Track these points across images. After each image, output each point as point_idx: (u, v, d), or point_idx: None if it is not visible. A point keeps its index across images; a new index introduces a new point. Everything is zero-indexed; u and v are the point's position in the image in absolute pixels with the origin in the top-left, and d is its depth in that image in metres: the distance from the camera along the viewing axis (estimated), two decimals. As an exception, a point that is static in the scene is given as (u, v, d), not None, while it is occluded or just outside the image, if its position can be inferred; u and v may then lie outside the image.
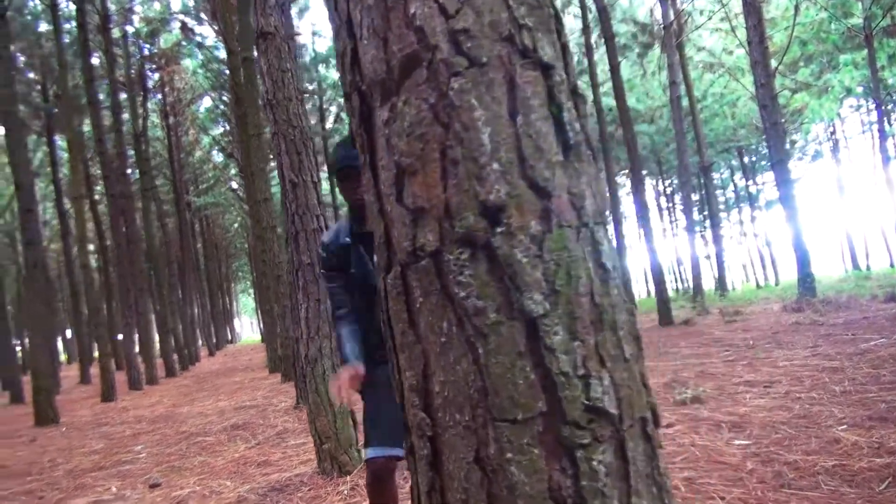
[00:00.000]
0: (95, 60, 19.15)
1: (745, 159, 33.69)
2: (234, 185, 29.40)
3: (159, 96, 25.57)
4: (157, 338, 21.46)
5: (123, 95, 20.31)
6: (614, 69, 12.75)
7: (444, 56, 0.81)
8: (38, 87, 22.28)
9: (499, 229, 0.78)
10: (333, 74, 28.00)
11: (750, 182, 35.01)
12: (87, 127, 21.46)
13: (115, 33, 19.98)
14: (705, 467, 3.70)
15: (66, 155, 28.10)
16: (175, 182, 24.85)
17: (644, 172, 37.67)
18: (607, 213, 0.91)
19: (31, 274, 9.16)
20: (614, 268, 0.85)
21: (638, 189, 13.24)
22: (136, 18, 23.51)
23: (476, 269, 0.78)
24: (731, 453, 3.85)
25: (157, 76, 24.95)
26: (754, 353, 7.23)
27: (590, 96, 17.98)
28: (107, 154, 15.29)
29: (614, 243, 1.00)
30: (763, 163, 32.04)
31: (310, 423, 4.33)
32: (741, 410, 4.76)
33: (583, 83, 24.92)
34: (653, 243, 13.11)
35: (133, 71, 21.86)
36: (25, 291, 9.55)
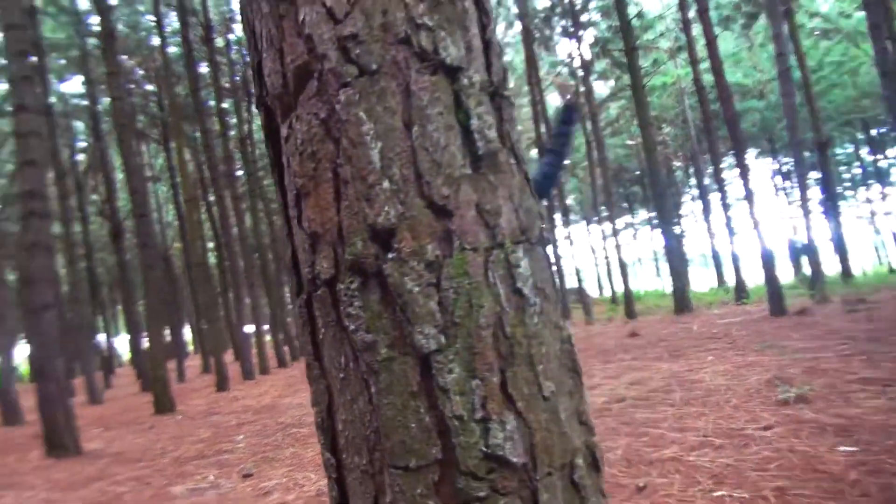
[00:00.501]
0: (203, 69, 20.29)
1: (872, 132, 30.91)
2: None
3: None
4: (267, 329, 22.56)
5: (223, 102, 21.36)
6: (710, 43, 12.02)
7: (332, 66, 0.73)
8: (155, 97, 23.85)
9: (390, 255, 0.71)
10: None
11: (879, 156, 32.10)
12: (198, 133, 22.74)
13: (219, 42, 21.06)
14: (801, 476, 3.40)
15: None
16: (281, 182, 25.94)
17: (757, 151, 35.48)
18: (541, 225, 0.80)
19: (146, 275, 9.85)
20: (538, 291, 0.75)
21: (742, 170, 12.44)
22: (237, 27, 24.66)
23: (367, 300, 0.71)
24: (835, 461, 3.52)
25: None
26: (875, 347, 6.60)
27: (689, 73, 17.10)
28: (214, 158, 16.15)
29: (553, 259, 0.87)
30: (894, 135, 29.30)
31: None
32: (851, 412, 4.35)
33: (682, 60, 23.74)
34: (760, 227, 12.32)
35: (237, 77, 22.95)
36: (144, 290, 10.34)
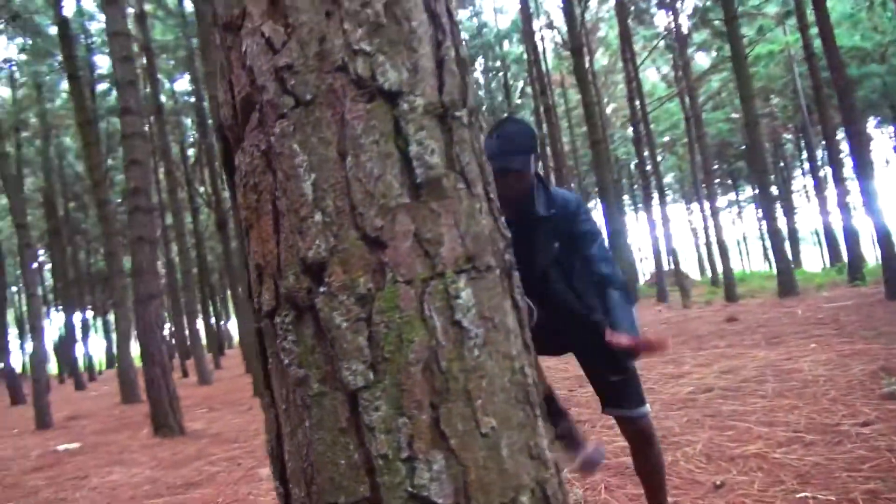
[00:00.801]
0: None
1: None
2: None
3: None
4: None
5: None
6: (818, 5, 11.15)
7: (269, 97, 0.73)
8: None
9: (321, 289, 0.70)
10: (516, 50, 27.90)
11: None
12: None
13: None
14: (900, 478, 3.16)
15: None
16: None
17: (877, 119, 32.71)
18: (496, 250, 0.77)
19: (228, 264, 10.37)
20: (484, 321, 0.72)
21: (855, 142, 11.52)
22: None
23: (300, 334, 0.71)
24: (938, 463, 3.25)
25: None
26: None
27: (798, 40, 15.95)
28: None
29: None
30: None
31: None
32: (964, 410, 3.99)
33: (790, 25, 22.16)
34: (878, 202, 11.40)
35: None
36: (229, 279, 10.91)
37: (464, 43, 0.82)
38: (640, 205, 34.27)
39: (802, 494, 3.16)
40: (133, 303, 7.84)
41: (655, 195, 21.73)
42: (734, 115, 29.90)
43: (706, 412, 4.97)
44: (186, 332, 18.31)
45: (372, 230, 0.69)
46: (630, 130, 24.53)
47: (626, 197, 41.33)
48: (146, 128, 23.27)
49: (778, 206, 36.59)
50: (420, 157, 0.72)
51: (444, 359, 0.69)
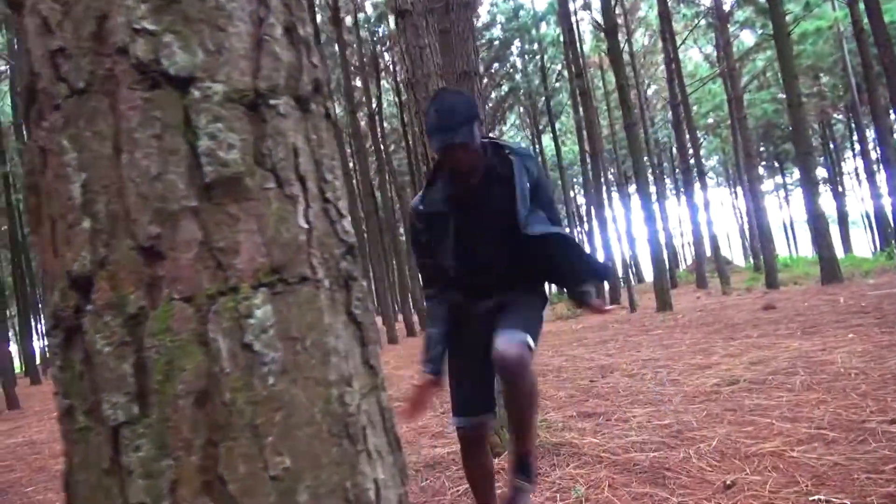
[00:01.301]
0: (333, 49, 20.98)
1: None
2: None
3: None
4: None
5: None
6: (866, -21, 10.61)
7: (44, 85, 0.64)
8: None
9: (89, 307, 0.60)
10: (553, 32, 27.43)
11: None
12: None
13: (347, 21, 21.63)
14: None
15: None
16: (410, 156, 26.43)
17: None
18: (318, 260, 0.66)
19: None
20: (289, 343, 0.61)
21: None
22: (367, 5, 25.16)
23: (68, 359, 0.61)
24: None
25: (388, 56, 26.54)
26: None
27: (848, 16, 15.24)
28: (339, 136, 16.70)
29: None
30: None
31: (462, 402, 4.31)
32: None
33: (838, 1, 21.23)
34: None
35: (366, 56, 23.51)
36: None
37: (307, 20, 0.71)
38: (681, 189, 33.50)
39: (816, 497, 2.99)
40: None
41: (696, 179, 21.20)
42: (780, 96, 28.88)
43: (727, 406, 4.79)
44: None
45: (146, 239, 0.60)
46: (670, 115, 23.91)
47: (667, 181, 40.45)
48: None
49: (827, 189, 35.32)
50: (211, 152, 0.61)
51: (227, 389, 0.59)
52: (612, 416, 4.92)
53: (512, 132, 40.01)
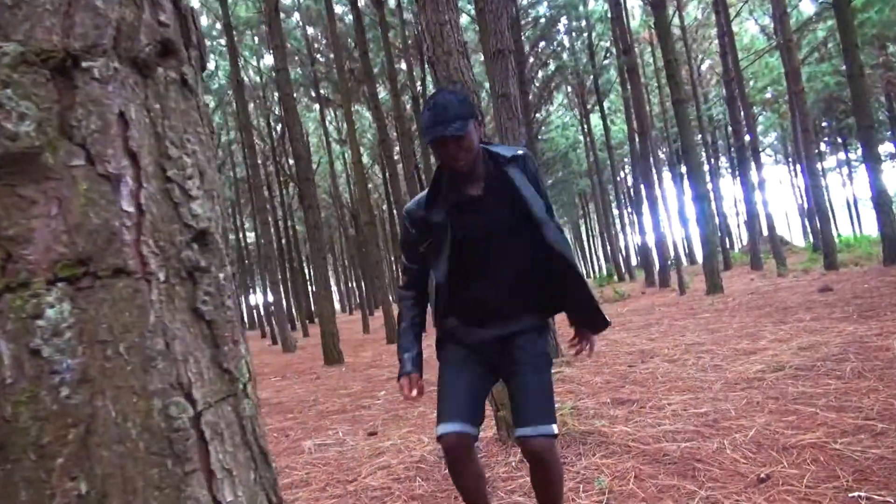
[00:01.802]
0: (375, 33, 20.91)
1: None
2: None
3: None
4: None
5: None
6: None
7: None
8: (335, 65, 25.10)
9: None
10: (601, 7, 26.73)
11: None
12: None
13: (391, 3, 21.51)
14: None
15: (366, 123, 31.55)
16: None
17: None
18: (154, 250, 0.56)
19: (311, 234, 10.51)
20: (86, 348, 0.52)
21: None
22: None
23: None
24: None
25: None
26: None
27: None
28: (382, 119, 16.67)
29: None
30: None
31: (486, 388, 4.21)
32: None
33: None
34: None
35: (409, 38, 23.34)
36: (309, 249, 11.03)
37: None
38: (736, 167, 32.35)
39: (856, 493, 2.80)
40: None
41: (751, 157, 20.42)
42: (842, 68, 27.50)
43: (770, 394, 4.56)
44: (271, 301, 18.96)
45: None
46: (724, 91, 23.04)
47: (723, 159, 39.15)
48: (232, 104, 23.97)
49: (893, 165, 33.60)
50: (-4, 124, 0.52)
51: (9, 402, 0.51)
52: (646, 403, 4.75)
53: (560, 112, 39.31)
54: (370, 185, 37.18)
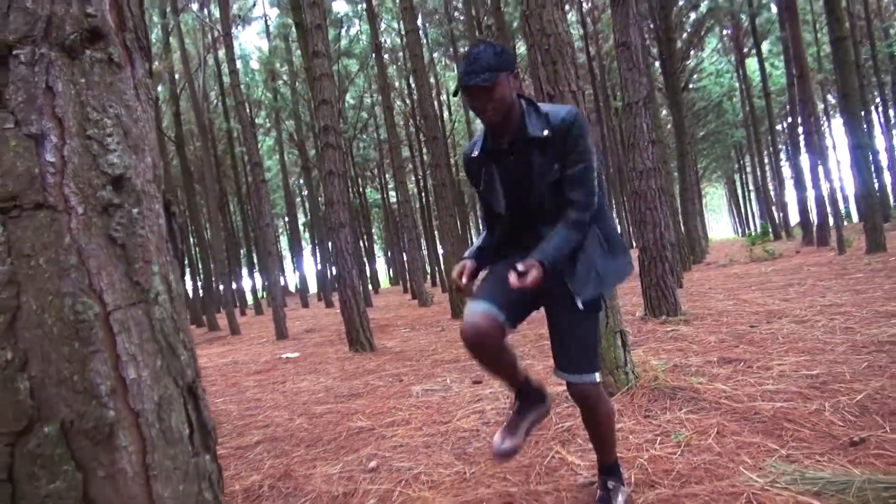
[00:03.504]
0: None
1: None
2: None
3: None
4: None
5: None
6: None
7: None
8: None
9: None
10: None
11: None
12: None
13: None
14: None
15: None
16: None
17: None
18: (72, 189, 0.74)
19: (438, 192, 10.84)
20: (14, 259, 0.72)
21: None
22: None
23: None
24: None
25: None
26: None
27: None
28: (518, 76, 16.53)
29: None
30: None
31: (578, 341, 4.27)
32: None
33: None
34: None
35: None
36: (437, 207, 11.33)
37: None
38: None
39: (952, 461, 2.62)
40: (327, 230, 8.66)
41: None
42: None
43: (900, 359, 4.23)
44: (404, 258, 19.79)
45: None
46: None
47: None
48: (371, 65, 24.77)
49: None
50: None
51: None
52: (754, 363, 4.57)
53: (714, 58, 36.66)
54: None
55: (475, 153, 2.42)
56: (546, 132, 2.22)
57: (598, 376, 2.33)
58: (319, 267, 28.79)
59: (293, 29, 24.53)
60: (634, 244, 19.35)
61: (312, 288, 42.28)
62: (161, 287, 0.85)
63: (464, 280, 2.28)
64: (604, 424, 2.45)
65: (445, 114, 33.87)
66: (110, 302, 0.79)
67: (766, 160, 34.10)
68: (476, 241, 2.56)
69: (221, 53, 22.75)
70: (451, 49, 25.42)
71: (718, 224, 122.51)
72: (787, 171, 35.44)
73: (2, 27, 0.76)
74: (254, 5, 28.46)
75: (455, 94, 2.19)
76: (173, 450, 0.79)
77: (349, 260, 7.98)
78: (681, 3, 26.12)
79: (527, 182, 2.30)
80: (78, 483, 0.72)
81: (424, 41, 25.75)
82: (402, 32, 27.72)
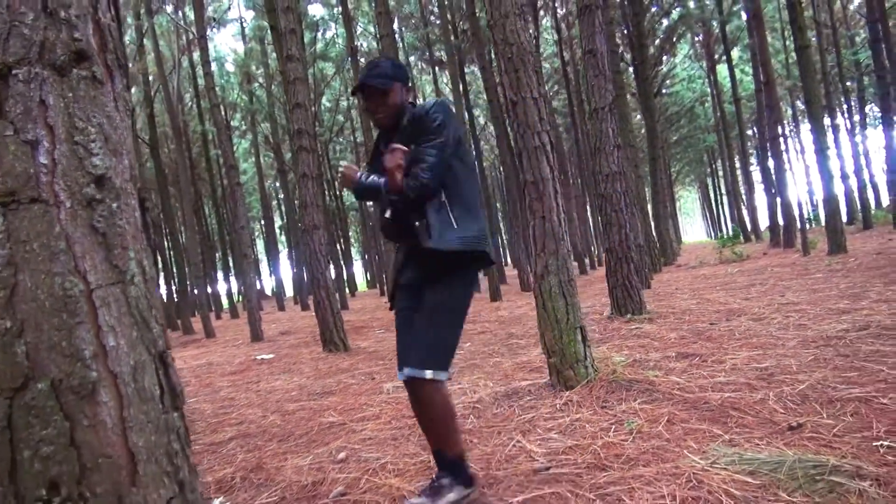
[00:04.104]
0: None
1: None
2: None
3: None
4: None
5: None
6: None
7: None
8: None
9: None
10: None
11: None
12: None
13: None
14: None
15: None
16: (570, 96, 25.83)
17: None
18: (61, 186, 0.90)
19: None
20: (12, 245, 0.87)
21: None
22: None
23: None
24: None
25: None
26: None
27: None
28: (491, 79, 16.78)
29: None
30: None
31: (539, 336, 4.45)
32: None
33: None
34: None
35: None
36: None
37: (74, 3, 0.95)
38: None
39: (880, 442, 2.83)
40: (301, 233, 8.77)
41: None
42: None
43: (842, 352, 4.49)
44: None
45: None
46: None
47: (872, 108, 35.68)
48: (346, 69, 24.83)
49: None
50: None
51: None
52: (709, 357, 4.79)
53: (686, 64, 37.31)
54: (486, 146, 37.26)
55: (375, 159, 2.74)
56: (405, 120, 2.56)
57: (435, 374, 2.48)
58: (295, 270, 28.74)
59: (269, 32, 24.55)
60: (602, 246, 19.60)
61: (289, 291, 42.15)
62: (136, 270, 1.00)
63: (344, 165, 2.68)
64: (438, 420, 2.59)
65: (422, 117, 33.99)
66: (93, 281, 0.94)
67: (736, 164, 34.81)
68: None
69: (196, 55, 22.66)
70: (427, 53, 25.61)
71: (692, 227, 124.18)
72: (757, 175, 36.19)
73: (3, 50, 0.91)
74: (229, 8, 28.37)
75: (353, 94, 2.52)
76: (146, 406, 0.95)
77: (322, 262, 8.10)
78: (653, 9, 26.62)
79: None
80: (66, 430, 0.88)
81: (400, 45, 25.89)
82: (378, 36, 27.92)
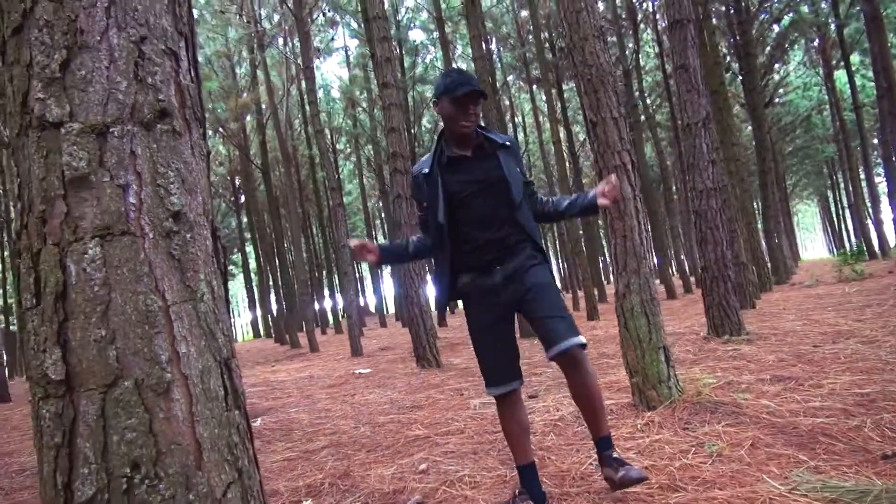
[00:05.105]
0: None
1: None
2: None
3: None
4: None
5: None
6: None
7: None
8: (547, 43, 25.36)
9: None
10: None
11: None
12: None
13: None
14: None
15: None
16: (672, 110, 25.11)
17: None
18: (145, 222, 1.11)
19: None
20: (106, 268, 1.07)
21: None
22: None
23: (15, 268, 1.16)
24: None
25: (647, 6, 25.38)
26: None
27: None
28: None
29: None
30: None
31: (623, 356, 4.44)
32: None
33: None
34: None
35: (620, 7, 22.81)
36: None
37: (159, 70, 1.17)
38: None
39: (981, 479, 2.67)
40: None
41: None
42: None
43: (955, 378, 4.18)
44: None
45: (39, 213, 1.12)
46: None
47: None
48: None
49: None
50: (68, 163, 1.11)
51: (72, 292, 1.09)
52: (806, 381, 4.59)
53: (800, 71, 35.35)
54: (587, 162, 36.81)
55: (426, 170, 2.78)
56: (507, 142, 2.77)
57: (584, 339, 2.65)
58: (396, 287, 29.47)
59: (370, 59, 25.52)
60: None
61: (392, 308, 43.16)
62: (206, 290, 1.20)
63: (353, 244, 2.79)
64: (597, 388, 2.73)
65: (520, 135, 34.11)
66: (170, 299, 1.15)
67: (860, 175, 32.49)
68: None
69: (304, 84, 23.95)
70: (525, 72, 25.76)
71: (812, 243, 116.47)
72: (883, 186, 33.59)
73: (103, 113, 1.14)
74: (333, 38, 29.77)
75: (460, 97, 2.58)
76: (211, 404, 1.14)
77: (416, 280, 8.37)
78: (762, 16, 25.53)
79: (499, 184, 2.68)
80: (146, 421, 1.08)
81: (499, 65, 26.20)
82: (473, 58, 28.40)
